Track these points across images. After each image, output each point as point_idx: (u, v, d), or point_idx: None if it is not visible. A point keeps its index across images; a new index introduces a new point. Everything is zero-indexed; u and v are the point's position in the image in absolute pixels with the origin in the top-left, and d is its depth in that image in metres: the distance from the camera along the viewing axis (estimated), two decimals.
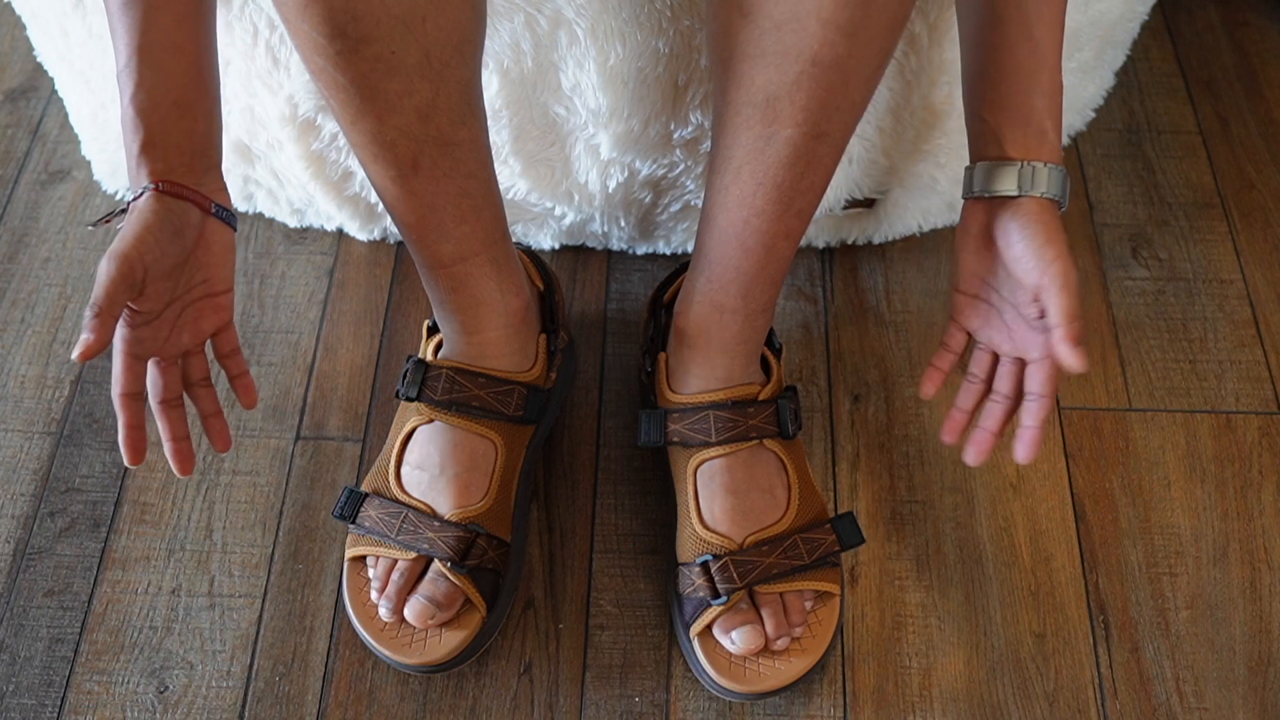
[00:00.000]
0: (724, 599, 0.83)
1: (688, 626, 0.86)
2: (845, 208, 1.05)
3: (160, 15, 0.73)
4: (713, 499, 0.86)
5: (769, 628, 0.84)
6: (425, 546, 0.84)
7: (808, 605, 0.86)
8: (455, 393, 0.86)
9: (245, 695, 0.87)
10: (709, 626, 0.85)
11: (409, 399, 0.88)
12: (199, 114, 0.76)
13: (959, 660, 0.88)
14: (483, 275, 0.84)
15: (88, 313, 0.69)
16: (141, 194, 0.74)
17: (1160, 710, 0.86)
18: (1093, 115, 1.18)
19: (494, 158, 0.97)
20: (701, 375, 0.88)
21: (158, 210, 0.73)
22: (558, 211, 1.04)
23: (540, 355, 0.91)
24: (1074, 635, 0.89)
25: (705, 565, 0.84)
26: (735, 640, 0.83)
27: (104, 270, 0.70)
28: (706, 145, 0.96)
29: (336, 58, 0.68)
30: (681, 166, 0.99)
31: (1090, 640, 0.89)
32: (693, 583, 0.85)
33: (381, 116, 0.72)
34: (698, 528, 0.86)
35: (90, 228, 0.81)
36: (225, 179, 1.10)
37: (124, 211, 0.76)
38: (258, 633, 0.90)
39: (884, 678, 0.88)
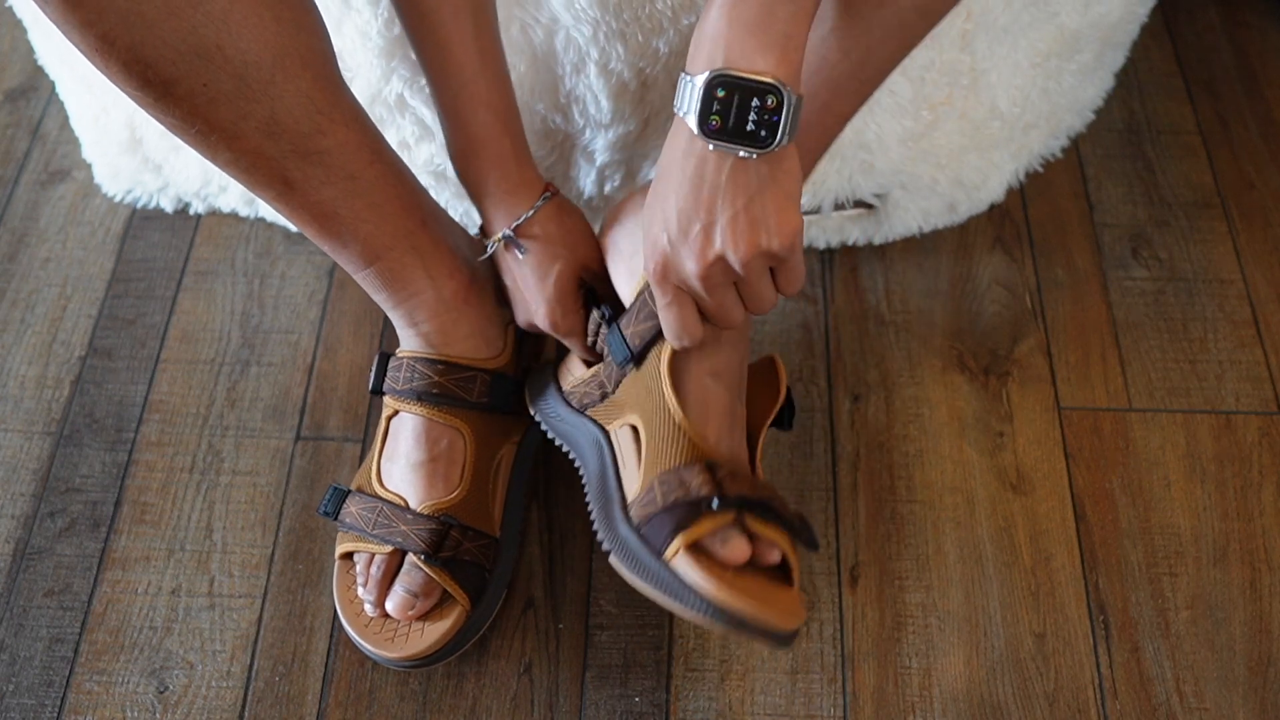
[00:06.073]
0: (732, 503, 0.75)
1: (662, 545, 0.74)
2: (838, 208, 1.05)
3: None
4: (708, 378, 0.80)
5: (761, 555, 0.76)
6: (399, 540, 0.84)
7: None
8: (416, 381, 0.86)
9: (245, 695, 0.87)
10: (698, 542, 0.74)
11: (374, 392, 0.89)
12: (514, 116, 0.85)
13: (959, 660, 0.88)
14: (405, 267, 0.83)
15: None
16: (545, 200, 0.85)
17: (1160, 710, 0.86)
18: (1093, 116, 1.18)
19: None
20: None
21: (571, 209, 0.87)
22: None
23: (508, 343, 0.90)
24: (1074, 635, 0.89)
25: (709, 466, 0.77)
26: (723, 544, 0.74)
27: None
28: None
29: (156, 103, 0.70)
30: None
31: (1090, 640, 0.89)
32: (684, 485, 0.76)
33: (229, 144, 0.73)
34: (688, 430, 0.78)
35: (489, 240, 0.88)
36: (229, 184, 1.11)
37: (512, 241, 0.85)
38: (258, 633, 0.90)
39: (884, 678, 0.88)
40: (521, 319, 0.89)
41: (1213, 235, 1.11)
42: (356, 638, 0.85)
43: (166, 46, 0.67)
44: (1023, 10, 0.96)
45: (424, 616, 0.84)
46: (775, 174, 0.70)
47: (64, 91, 1.14)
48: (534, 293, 0.86)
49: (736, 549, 0.74)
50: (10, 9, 1.26)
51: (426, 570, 0.84)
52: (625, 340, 0.82)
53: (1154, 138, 1.18)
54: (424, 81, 0.92)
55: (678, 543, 0.74)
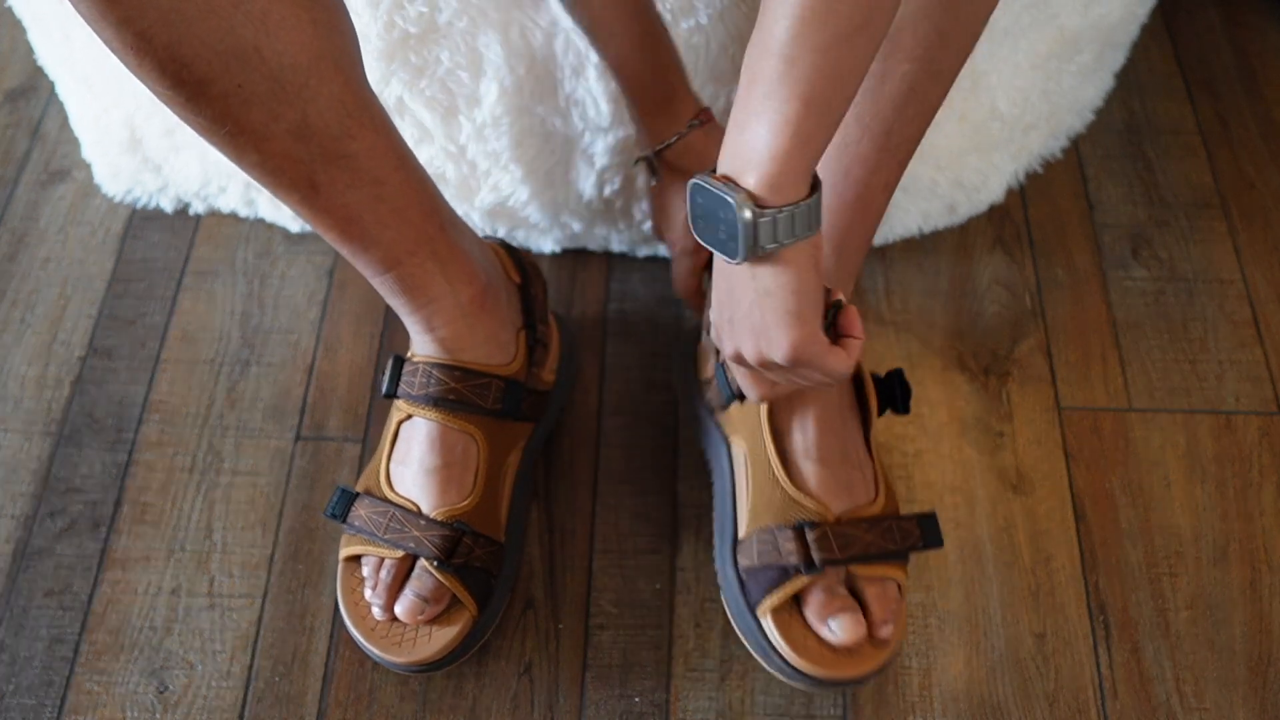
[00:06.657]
0: (819, 569, 0.79)
1: (756, 600, 0.81)
2: None
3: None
4: (804, 460, 0.83)
5: (875, 613, 0.81)
6: (411, 545, 0.84)
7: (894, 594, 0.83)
8: (431, 387, 0.86)
9: (245, 695, 0.87)
10: (792, 599, 0.81)
11: (388, 396, 0.88)
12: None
13: (959, 660, 0.88)
14: (425, 273, 0.82)
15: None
16: (690, 129, 0.87)
17: (1160, 710, 0.86)
18: (1093, 117, 1.18)
19: (495, 164, 0.98)
20: None
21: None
22: (563, 219, 1.04)
23: (520, 349, 0.90)
24: (1074, 635, 0.89)
25: (800, 530, 0.80)
26: (836, 630, 0.80)
27: None
28: None
29: (187, 104, 0.68)
30: None
31: (1090, 640, 0.89)
32: (777, 549, 0.80)
33: (258, 146, 0.72)
34: (789, 488, 0.82)
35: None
36: (229, 185, 1.10)
37: (648, 161, 0.90)
38: (258, 633, 0.90)
39: (884, 678, 0.88)
40: (656, 230, 0.96)
41: (1213, 235, 1.11)
42: (362, 641, 0.85)
43: (204, 46, 0.66)
44: (1022, 12, 0.96)
45: (431, 621, 0.84)
46: (771, 288, 0.66)
47: (64, 91, 1.14)
48: (667, 216, 0.92)
49: (850, 633, 0.79)
50: (10, 9, 1.26)
51: (438, 576, 0.83)
52: (728, 381, 0.85)
53: (1154, 138, 1.18)
54: (423, 84, 0.92)
55: (766, 604, 0.81)
